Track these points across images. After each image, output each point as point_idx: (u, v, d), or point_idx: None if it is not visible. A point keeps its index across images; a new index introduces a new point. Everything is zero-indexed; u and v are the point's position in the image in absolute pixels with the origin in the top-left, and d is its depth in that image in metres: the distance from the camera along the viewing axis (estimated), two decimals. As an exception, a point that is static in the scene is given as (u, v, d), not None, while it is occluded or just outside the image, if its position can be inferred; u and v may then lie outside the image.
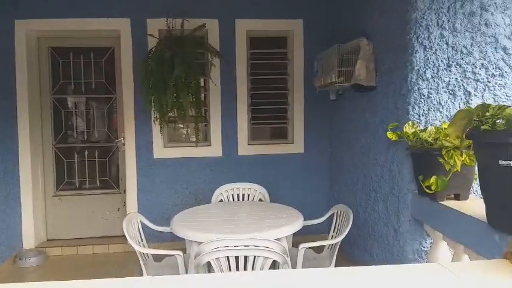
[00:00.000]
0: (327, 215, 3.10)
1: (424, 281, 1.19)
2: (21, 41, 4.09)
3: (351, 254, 3.73)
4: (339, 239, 2.66)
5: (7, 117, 4.02)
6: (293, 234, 2.84)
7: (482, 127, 1.62)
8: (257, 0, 4.29)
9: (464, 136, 1.67)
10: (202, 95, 4.27)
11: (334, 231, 2.96)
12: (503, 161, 1.56)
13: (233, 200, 3.58)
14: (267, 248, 2.10)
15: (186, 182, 4.32)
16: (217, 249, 2.08)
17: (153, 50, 3.83)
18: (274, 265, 2.21)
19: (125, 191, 4.37)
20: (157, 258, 2.91)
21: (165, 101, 3.64)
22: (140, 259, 2.63)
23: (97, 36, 4.34)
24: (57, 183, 4.48)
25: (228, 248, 2.08)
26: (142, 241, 2.84)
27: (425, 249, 2.57)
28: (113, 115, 4.52)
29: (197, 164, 4.33)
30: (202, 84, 4.27)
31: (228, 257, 2.12)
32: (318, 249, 2.94)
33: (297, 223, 2.63)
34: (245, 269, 2.13)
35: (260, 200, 3.59)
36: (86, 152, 4.52)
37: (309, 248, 2.75)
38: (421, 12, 2.56)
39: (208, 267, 2.20)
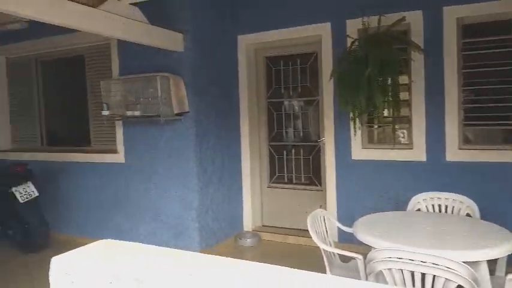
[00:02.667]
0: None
1: None
2: (242, 53, 4.85)
3: None
4: None
5: (232, 117, 4.83)
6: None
7: None
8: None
9: None
10: (406, 93, 3.99)
11: None
12: None
13: (433, 210, 3.20)
14: (447, 269, 1.82)
15: (385, 186, 4.14)
16: (390, 259, 1.94)
17: (348, 50, 3.84)
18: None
19: (325, 190, 4.55)
20: (345, 259, 2.91)
21: (358, 102, 3.59)
22: (324, 256, 2.70)
23: (302, 43, 4.66)
24: (271, 176, 5.08)
25: (401, 260, 1.91)
26: (329, 238, 2.91)
27: None
28: (317, 116, 4.77)
29: (397, 168, 4.08)
30: (405, 82, 3.99)
31: (402, 270, 1.95)
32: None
33: (504, 248, 2.15)
34: (423, 287, 1.91)
35: (468, 215, 3.08)
36: (293, 150, 4.94)
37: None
38: None
39: (378, 277, 2.08)
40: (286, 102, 4.98)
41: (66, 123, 5.66)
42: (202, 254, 1.50)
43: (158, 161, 4.32)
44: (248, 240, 4.67)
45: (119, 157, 4.58)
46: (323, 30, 4.38)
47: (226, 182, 4.67)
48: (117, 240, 1.60)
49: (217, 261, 1.37)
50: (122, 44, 4.31)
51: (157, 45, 3.92)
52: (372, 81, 3.59)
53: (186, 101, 4.12)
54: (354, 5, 4.12)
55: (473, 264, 2.03)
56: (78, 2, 3.00)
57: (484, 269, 2.13)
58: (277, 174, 5.05)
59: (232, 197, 4.78)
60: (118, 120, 4.44)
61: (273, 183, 5.07)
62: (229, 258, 1.42)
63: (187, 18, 4.16)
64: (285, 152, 5.00)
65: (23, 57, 5.46)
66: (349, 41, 4.03)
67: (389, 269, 1.97)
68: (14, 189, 4.40)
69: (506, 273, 2.28)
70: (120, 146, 4.58)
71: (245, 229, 4.93)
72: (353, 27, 4.13)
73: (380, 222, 2.72)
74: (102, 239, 1.60)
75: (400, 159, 4.07)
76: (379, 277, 2.08)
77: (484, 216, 3.02)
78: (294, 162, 4.95)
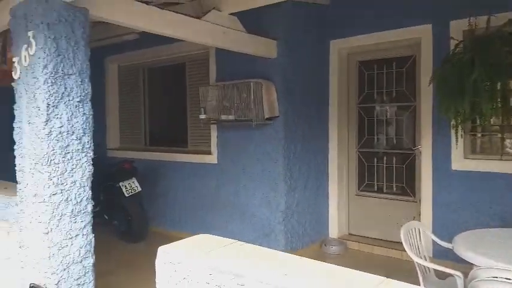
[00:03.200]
0: None
1: None
2: (334, 57, 4.82)
3: None
4: None
5: (320, 122, 4.81)
6: None
7: None
8: None
9: None
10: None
11: None
12: None
13: (547, 229, 2.84)
14: None
15: (489, 201, 3.77)
16: (496, 279, 1.78)
17: (451, 53, 3.58)
18: None
19: (420, 201, 4.29)
20: (441, 275, 2.73)
21: (461, 108, 3.33)
22: (418, 271, 2.57)
23: (399, 46, 4.48)
24: (359, 184, 4.95)
25: (509, 281, 1.74)
26: (424, 253, 2.75)
27: None
28: (412, 123, 4.53)
29: (505, 181, 3.69)
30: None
31: (510, 292, 1.77)
32: None
33: None
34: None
35: None
36: (385, 158, 4.75)
37: None
38: None
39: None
40: (378, 108, 4.82)
41: (166, 125, 6.17)
42: (295, 255, 1.54)
43: (248, 163, 4.48)
44: (333, 247, 4.60)
45: (213, 158, 4.85)
46: (423, 33, 4.15)
47: (313, 187, 4.66)
48: (213, 236, 1.72)
49: (309, 264, 1.40)
50: (219, 52, 4.57)
51: (253, 52, 4.09)
52: (478, 86, 3.30)
53: (277, 106, 4.22)
54: (459, 4, 3.84)
55: None
56: (185, 15, 3.28)
57: None
58: (366, 182, 4.90)
59: (318, 203, 4.76)
60: (213, 123, 4.71)
61: (361, 191, 4.92)
62: (321, 262, 1.43)
63: (281, 26, 4.26)
64: (375, 160, 4.82)
65: (132, 65, 6.10)
66: (452, 43, 3.77)
67: (495, 290, 1.80)
68: (120, 183, 4.90)
69: None
70: (214, 148, 4.84)
71: (330, 236, 4.87)
72: (457, 28, 3.85)
73: (484, 238, 2.50)
74: (194, 234, 1.73)
75: (508, 172, 3.67)
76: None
77: None
78: (385, 171, 4.75)
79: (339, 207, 4.87)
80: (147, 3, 3.07)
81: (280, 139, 4.24)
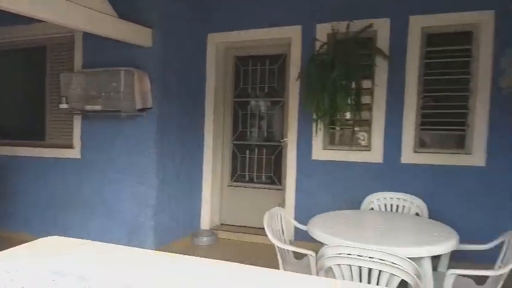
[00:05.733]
0: (496, 242, 2.56)
1: None
2: (212, 51, 4.84)
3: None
4: (501, 271, 2.17)
5: (196, 115, 4.78)
6: (453, 258, 2.52)
7: None
8: (436, -8, 3.88)
9: None
10: (368, 97, 4.13)
11: (502, 261, 2.42)
12: None
13: (385, 209, 3.34)
14: (394, 265, 1.90)
15: (343, 186, 4.25)
16: (340, 255, 2.00)
17: (316, 54, 3.93)
18: (407, 285, 1.98)
19: (285, 188, 4.62)
20: (299, 256, 2.97)
21: (322, 103, 3.69)
22: (278, 253, 2.74)
23: (272, 44, 4.72)
24: (232, 174, 5.09)
25: (350, 256, 1.98)
26: (283, 236, 2.96)
27: None
28: (281, 117, 4.83)
29: (356, 169, 4.21)
30: (368, 86, 4.13)
31: (350, 266, 2.01)
32: (481, 280, 2.46)
33: (445, 245, 2.26)
34: (369, 282, 1.98)
35: (417, 214, 3.24)
36: (256, 149, 4.98)
37: (467, 276, 2.35)
38: None
39: (328, 273, 2.14)
40: (252, 102, 5.01)
41: (19, 116, 5.38)
42: (151, 250, 1.50)
43: (116, 157, 4.20)
44: (204, 238, 4.63)
45: (75, 152, 4.41)
46: (293, 33, 4.44)
47: (186, 180, 4.62)
48: (63, 237, 1.57)
49: (168, 258, 1.38)
50: (88, 37, 4.16)
51: (125, 39, 3.83)
52: (336, 84, 3.70)
53: (150, 97, 4.05)
54: (325, 10, 4.22)
55: (417, 260, 2.12)
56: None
57: (427, 264, 2.23)
58: (238, 173, 5.07)
59: (191, 195, 4.74)
60: (77, 114, 4.31)
61: (234, 181, 5.08)
62: (180, 255, 1.42)
63: (157, 13, 4.08)
64: (247, 151, 5.02)
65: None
66: (317, 44, 4.13)
67: (339, 265, 2.03)
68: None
69: (448, 268, 2.40)
70: (77, 141, 4.41)
71: (203, 227, 4.90)
72: (323, 31, 4.22)
73: (333, 220, 2.79)
74: (46, 236, 1.56)
75: (358, 161, 4.19)
76: (329, 273, 2.14)
77: (431, 215, 3.19)
78: (256, 162, 4.99)
79: (212, 198, 4.93)
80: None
81: (152, 131, 4.07)
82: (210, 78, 4.86)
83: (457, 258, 2.78)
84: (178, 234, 4.51)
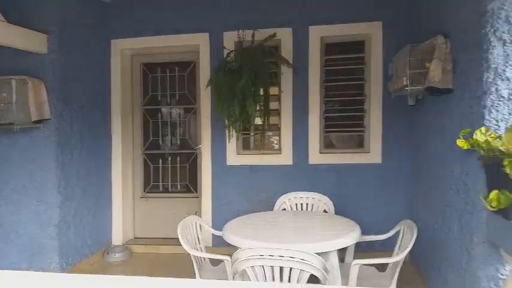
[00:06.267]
0: (393, 232, 2.84)
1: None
2: (116, 58, 4.62)
3: (424, 270, 3.38)
4: (398, 258, 2.41)
5: (102, 125, 4.53)
6: (359, 249, 2.71)
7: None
8: (332, 5, 4.18)
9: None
10: (276, 103, 4.30)
11: (399, 248, 2.69)
12: None
13: (296, 209, 3.50)
14: (302, 261, 1.99)
15: (257, 190, 4.36)
16: (252, 257, 2.05)
17: (224, 61, 3.99)
18: (318, 280, 2.09)
19: (201, 196, 4.58)
20: (216, 262, 2.97)
21: (232, 110, 3.75)
22: (194, 262, 2.72)
23: (181, 51, 4.67)
24: (145, 186, 4.91)
25: (262, 257, 2.03)
26: (199, 244, 2.94)
27: (504, 277, 2.17)
28: (194, 124, 4.80)
29: (268, 172, 4.35)
30: (276, 93, 4.30)
31: (263, 267, 2.07)
32: (383, 267, 2.70)
33: (349, 237, 2.45)
34: (281, 280, 2.05)
35: (324, 211, 3.45)
36: (170, 158, 4.87)
37: (369, 265, 2.55)
38: (500, 2, 2.20)
39: (244, 276, 2.18)
40: (163, 110, 4.90)
41: None
42: (54, 273, 1.37)
43: (11, 174, 3.79)
44: (116, 254, 4.38)
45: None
46: (201, 40, 4.44)
47: (94, 195, 4.33)
48: None
49: (74, 279, 1.27)
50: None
51: (15, 45, 3.48)
52: (245, 91, 3.79)
53: (47, 107, 3.72)
54: (231, 18, 4.30)
55: (325, 254, 2.26)
56: None
57: (334, 257, 2.39)
58: (151, 183, 4.91)
59: (100, 211, 4.45)
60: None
61: (147, 192, 4.91)
62: (86, 274, 1.32)
63: (53, 19, 3.78)
64: (161, 161, 4.89)
65: None
66: (225, 52, 4.18)
67: (252, 267, 2.07)
68: None
69: (353, 259, 2.60)
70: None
71: (115, 243, 4.64)
72: (230, 39, 4.29)
73: (247, 223, 2.85)
74: None
75: (271, 164, 4.34)
76: (245, 276, 2.18)
77: (337, 211, 3.43)
78: (171, 171, 4.88)
79: (124, 212, 4.70)
80: None
81: (52, 144, 3.74)
82: (115, 86, 4.64)
83: (362, 249, 3.02)
84: (87, 253, 4.21)
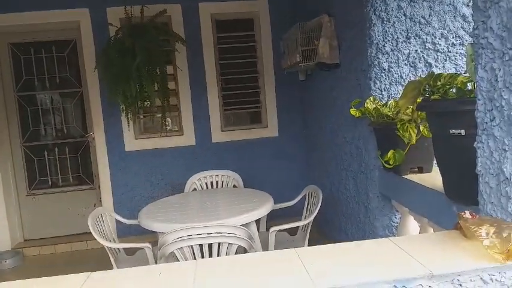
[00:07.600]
0: (299, 197, 3.08)
1: (371, 256, 1.17)
2: (-24, 38, 3.94)
3: (328, 234, 3.75)
4: (308, 220, 2.65)
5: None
6: (270, 218, 2.86)
7: (432, 97, 1.59)
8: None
9: (415, 107, 1.64)
10: (172, 83, 4.18)
11: (306, 212, 2.95)
12: (454, 130, 1.54)
13: (207, 188, 3.54)
14: (230, 234, 2.07)
15: (161, 173, 4.26)
16: (180, 238, 2.04)
17: (112, 39, 3.71)
18: (244, 251, 2.19)
19: (99, 187, 4.29)
20: (131, 252, 2.87)
21: (129, 92, 3.54)
22: (110, 254, 2.59)
23: (57, 28, 4.20)
24: (30, 182, 4.38)
25: (191, 236, 2.05)
26: (112, 235, 2.80)
27: (396, 224, 2.57)
28: (81, 109, 4.40)
29: (171, 154, 4.27)
30: (171, 72, 4.18)
31: (192, 246, 2.08)
32: (294, 232, 2.93)
33: (265, 207, 2.60)
34: (210, 256, 2.10)
35: (234, 186, 3.56)
36: (57, 149, 4.41)
37: (283, 230, 2.75)
38: (378, -16, 2.50)
39: (169, 259, 2.17)
40: (42, 96, 4.37)
41: None
42: None
43: None
44: (7, 261, 3.89)
45: None
46: (81, 16, 4.05)
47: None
48: None
49: None
50: None
51: None
52: (141, 71, 3.59)
53: None
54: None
55: (246, 225, 2.37)
56: None
57: (254, 228, 2.52)
58: (38, 179, 4.40)
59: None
60: None
61: (33, 189, 4.40)
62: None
63: None
64: (46, 153, 4.40)
65: None
66: (112, 29, 3.88)
67: (181, 248, 2.07)
68: None
69: (267, 228, 2.78)
70: None
71: (2, 249, 4.10)
72: (115, 15, 3.99)
73: (163, 208, 2.80)
74: None
75: (172, 146, 4.27)
76: (169, 259, 2.16)
77: (246, 185, 3.58)
78: (59, 163, 4.43)
79: (8, 213, 4.14)
80: None
81: None
82: (-21, 71, 3.98)
83: (271, 218, 3.21)
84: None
